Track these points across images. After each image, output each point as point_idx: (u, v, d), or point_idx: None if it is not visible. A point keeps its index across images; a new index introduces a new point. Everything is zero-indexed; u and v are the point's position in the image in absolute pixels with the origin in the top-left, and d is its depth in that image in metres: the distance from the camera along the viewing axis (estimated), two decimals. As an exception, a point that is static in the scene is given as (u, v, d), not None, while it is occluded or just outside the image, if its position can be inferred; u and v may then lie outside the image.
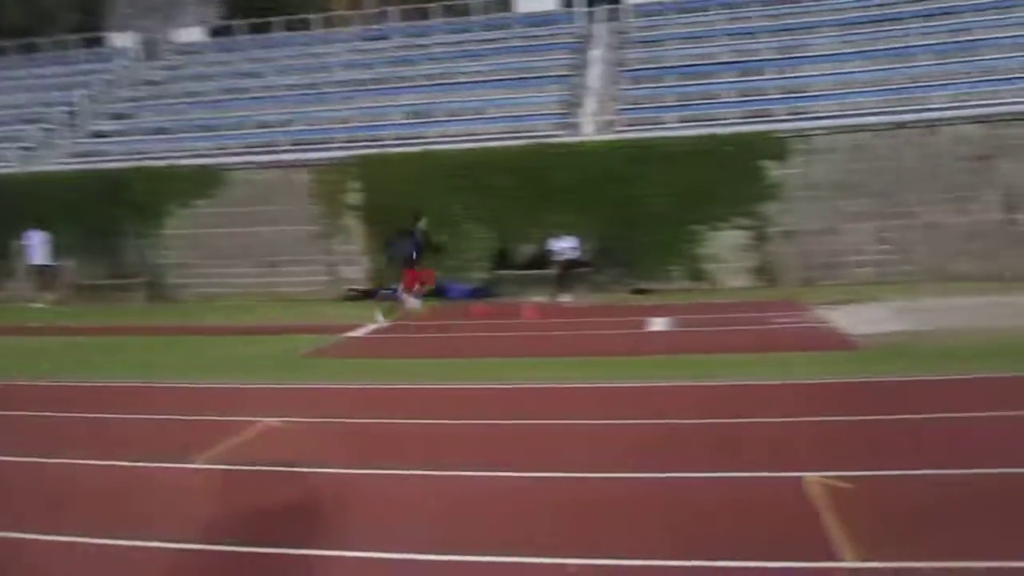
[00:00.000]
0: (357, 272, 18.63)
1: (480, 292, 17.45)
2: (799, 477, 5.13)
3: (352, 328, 13.26)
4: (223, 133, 21.37)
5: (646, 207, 17.23)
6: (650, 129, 18.48)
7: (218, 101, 23.04)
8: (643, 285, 17.43)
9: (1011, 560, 3.85)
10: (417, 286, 14.23)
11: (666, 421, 6.81)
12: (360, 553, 4.33)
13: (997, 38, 19.07)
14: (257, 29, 26.99)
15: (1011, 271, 15.73)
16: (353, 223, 18.69)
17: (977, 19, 19.99)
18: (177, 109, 23.15)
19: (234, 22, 28.21)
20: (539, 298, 16.29)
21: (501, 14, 25.44)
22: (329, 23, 27.16)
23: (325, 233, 18.76)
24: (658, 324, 12.68)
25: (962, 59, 18.73)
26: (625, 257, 17.47)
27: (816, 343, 10.00)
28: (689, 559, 4.06)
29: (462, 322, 14.16)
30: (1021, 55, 18.34)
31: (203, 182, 19.18)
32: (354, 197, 18.65)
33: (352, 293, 18.16)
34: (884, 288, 15.44)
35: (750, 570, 3.95)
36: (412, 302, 14.23)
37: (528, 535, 4.48)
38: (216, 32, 28.51)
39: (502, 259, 17.95)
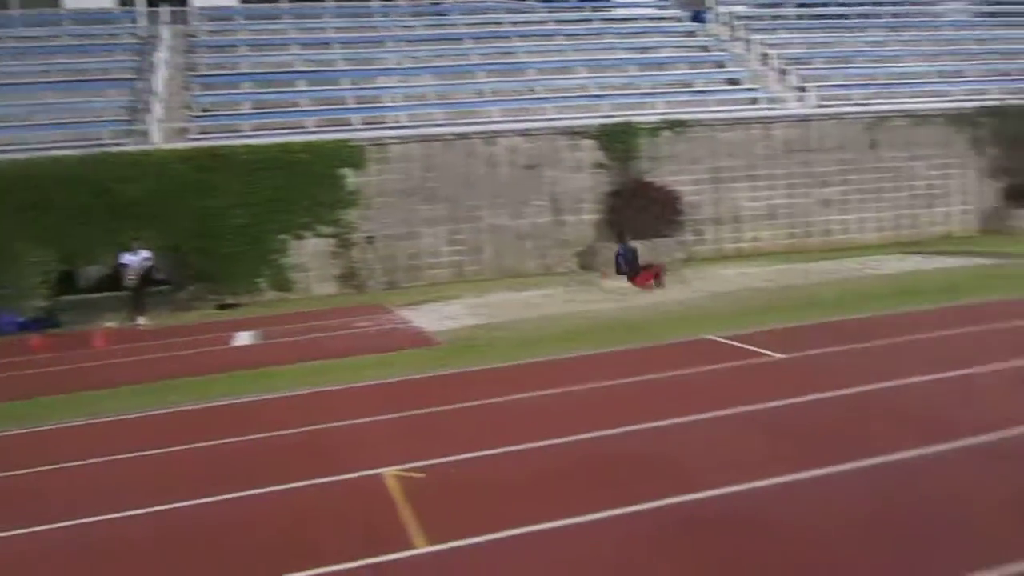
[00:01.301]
0: None
1: (39, 323, 15.09)
2: (379, 474, 5.29)
3: None
4: None
5: (226, 218, 16.58)
6: (226, 137, 17.80)
7: None
8: (229, 300, 16.74)
9: (563, 519, 4.37)
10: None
11: (247, 438, 6.59)
12: None
13: (541, 61, 21.66)
14: None
15: (561, 266, 18.07)
16: None
17: (523, 44, 22.50)
18: None
19: None
20: (112, 323, 14.70)
21: (49, 9, 22.60)
22: None
23: None
24: (243, 339, 12.26)
25: (513, 79, 20.95)
26: (207, 271, 16.63)
27: (397, 343, 10.45)
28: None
29: (9, 360, 12.16)
30: (560, 77, 21.07)
31: None
32: None
33: None
34: (460, 287, 16.71)
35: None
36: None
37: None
38: None
39: (66, 283, 15.93)
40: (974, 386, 6.59)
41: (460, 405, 7.05)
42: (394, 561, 4.07)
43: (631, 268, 14.64)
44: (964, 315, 9.70)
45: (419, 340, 10.64)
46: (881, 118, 20.05)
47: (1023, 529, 3.91)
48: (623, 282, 14.46)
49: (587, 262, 18.28)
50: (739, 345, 8.57)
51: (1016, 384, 6.49)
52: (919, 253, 17.13)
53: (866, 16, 25.66)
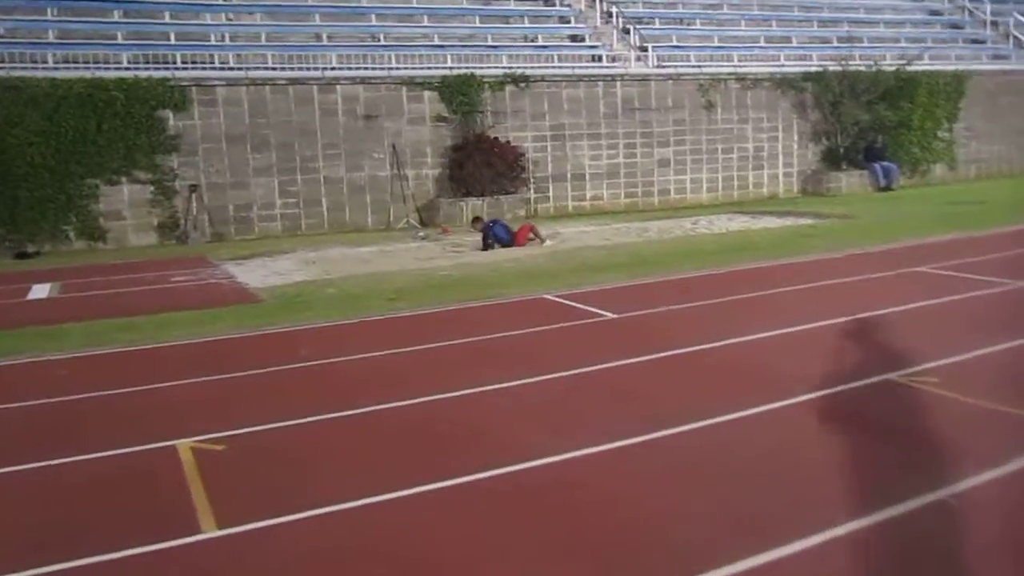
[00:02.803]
0: None
1: None
2: (172, 446, 4.72)
3: None
4: None
5: (23, 157, 14.90)
6: (28, 69, 15.92)
7: None
8: (30, 248, 15.13)
9: (375, 495, 3.98)
10: None
11: (23, 404, 5.79)
12: None
13: (382, 7, 20.72)
14: None
15: (401, 222, 17.51)
16: None
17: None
18: None
19: None
20: None
21: None
22: None
23: None
24: (42, 291, 11.02)
25: (350, 23, 19.95)
26: (3, 216, 14.93)
27: (215, 299, 9.66)
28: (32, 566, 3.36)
29: None
30: (402, 24, 20.26)
31: None
32: None
33: None
34: (293, 241, 15.87)
35: (89, 568, 3.40)
36: None
37: None
38: None
39: None
40: (805, 343, 6.70)
41: (274, 368, 6.47)
42: (174, 548, 3.54)
43: (509, 237, 13.75)
44: (788, 272, 10.04)
45: (241, 296, 9.88)
46: (715, 80, 20.59)
47: (843, 488, 3.88)
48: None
49: (429, 217, 17.81)
50: (575, 304, 8.42)
51: (845, 339, 6.62)
52: (747, 213, 17.79)
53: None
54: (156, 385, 6.11)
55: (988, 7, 26.71)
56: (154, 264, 13.23)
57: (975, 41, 26.13)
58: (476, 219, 14.99)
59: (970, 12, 27.60)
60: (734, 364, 6.12)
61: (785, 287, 8.95)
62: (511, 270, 11.06)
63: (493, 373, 6.01)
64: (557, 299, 8.78)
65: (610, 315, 7.89)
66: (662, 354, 6.41)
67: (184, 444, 4.71)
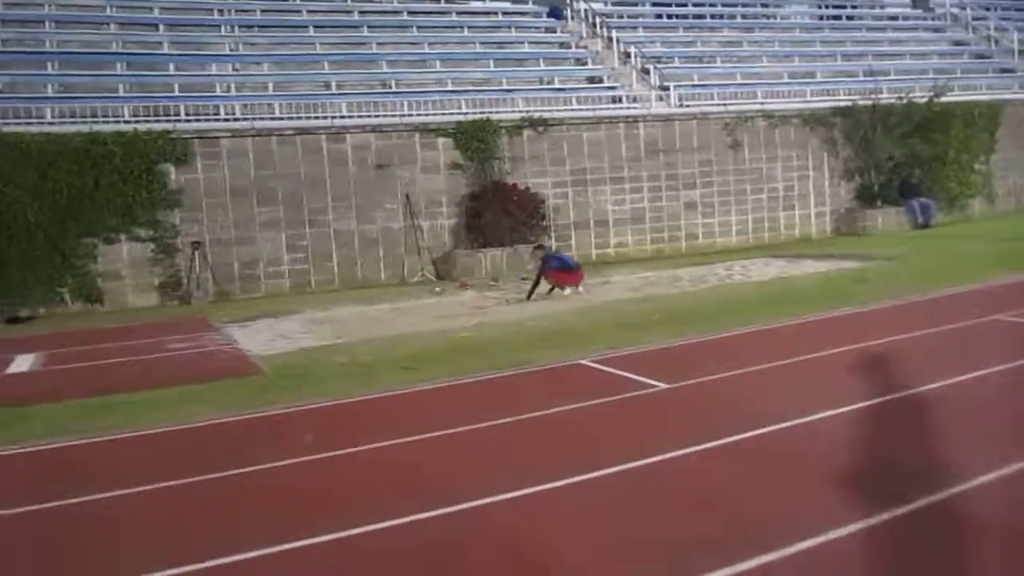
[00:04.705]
0: None
1: None
2: None
3: None
4: None
5: (17, 216, 14.14)
6: (24, 124, 15.21)
7: None
8: (22, 312, 14.25)
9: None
10: None
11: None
12: None
13: (393, 53, 20.07)
14: None
15: (414, 276, 16.55)
16: None
17: (374, 35, 20.82)
18: None
19: None
20: None
21: None
22: None
23: None
24: (24, 363, 10.05)
25: (359, 70, 19.26)
26: (-7, 278, 14.13)
27: (211, 371, 8.63)
28: None
29: None
30: (414, 70, 19.55)
31: None
32: None
33: None
34: (302, 299, 14.92)
35: None
36: None
37: None
38: None
39: None
40: (916, 417, 5.58)
41: (263, 466, 5.33)
42: None
43: (575, 265, 13.24)
44: (850, 324, 8.95)
45: (239, 367, 8.84)
46: (742, 118, 19.68)
47: None
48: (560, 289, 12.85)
49: (445, 270, 16.84)
50: (618, 372, 7.35)
51: (964, 410, 5.51)
52: (782, 257, 16.73)
53: (720, 17, 25.56)
54: (110, 494, 4.97)
55: (1015, 36, 25.85)
56: (151, 328, 12.27)
57: (1004, 70, 25.19)
58: (538, 246, 14.36)
59: (996, 41, 26.77)
60: (834, 449, 4.97)
61: (855, 343, 7.82)
62: (538, 330, 9.99)
63: (533, 469, 4.91)
64: (596, 365, 7.71)
65: (661, 385, 6.80)
66: (737, 437, 5.29)
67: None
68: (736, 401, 6.26)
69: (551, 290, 12.79)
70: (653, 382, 6.87)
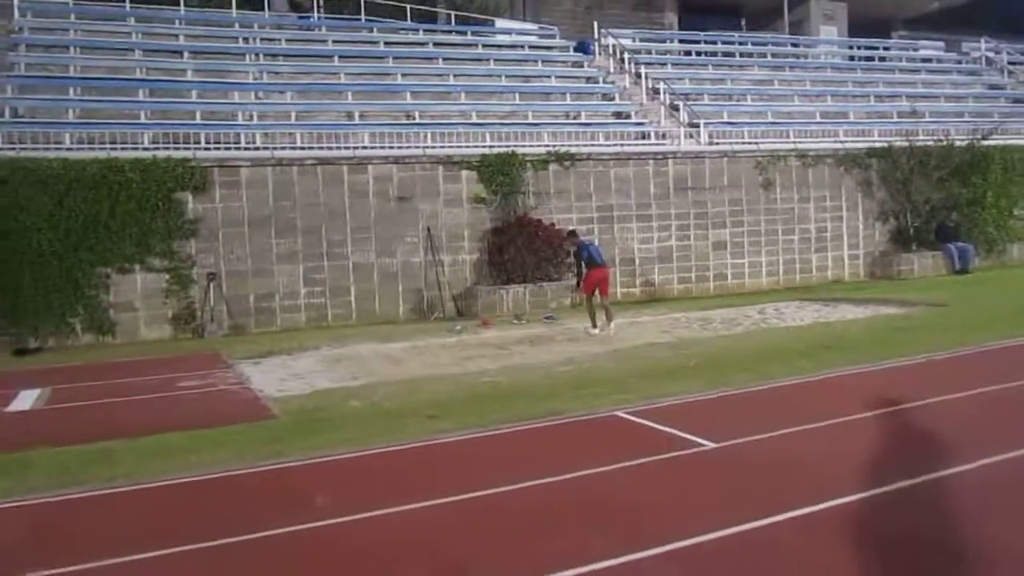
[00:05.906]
0: None
1: None
2: None
3: None
4: None
5: (31, 243, 13.77)
6: (42, 150, 14.89)
7: None
8: (31, 343, 13.82)
9: None
10: None
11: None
12: None
13: (417, 84, 19.77)
14: None
15: (434, 312, 16.02)
16: None
17: (399, 66, 20.57)
18: None
19: None
20: None
21: None
22: None
23: None
24: (27, 400, 9.55)
25: (383, 100, 18.94)
26: (3, 307, 13.68)
27: (220, 416, 8.05)
28: None
29: None
30: (438, 102, 19.21)
31: None
32: None
33: None
34: (318, 334, 14.40)
35: None
36: None
37: None
38: None
39: None
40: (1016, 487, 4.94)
41: (269, 532, 4.75)
42: None
43: (601, 262, 13.29)
44: (906, 377, 8.30)
45: (251, 411, 8.28)
46: (775, 157, 19.15)
47: None
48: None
49: (466, 307, 16.30)
50: (657, 427, 6.73)
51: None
52: (816, 300, 16.08)
53: (749, 55, 25.20)
54: (89, 565, 4.42)
55: (1052, 81, 25.32)
56: (161, 364, 11.78)
57: (1042, 115, 24.58)
58: (571, 232, 14.51)
59: (1032, 86, 26.24)
60: (928, 522, 4.35)
61: (920, 399, 7.17)
62: (567, 375, 9.40)
63: (577, 545, 4.31)
64: (633, 418, 7.10)
65: (708, 444, 6.17)
66: (809, 509, 4.66)
67: None
68: (795, 465, 5.63)
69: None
70: (699, 439, 6.24)
